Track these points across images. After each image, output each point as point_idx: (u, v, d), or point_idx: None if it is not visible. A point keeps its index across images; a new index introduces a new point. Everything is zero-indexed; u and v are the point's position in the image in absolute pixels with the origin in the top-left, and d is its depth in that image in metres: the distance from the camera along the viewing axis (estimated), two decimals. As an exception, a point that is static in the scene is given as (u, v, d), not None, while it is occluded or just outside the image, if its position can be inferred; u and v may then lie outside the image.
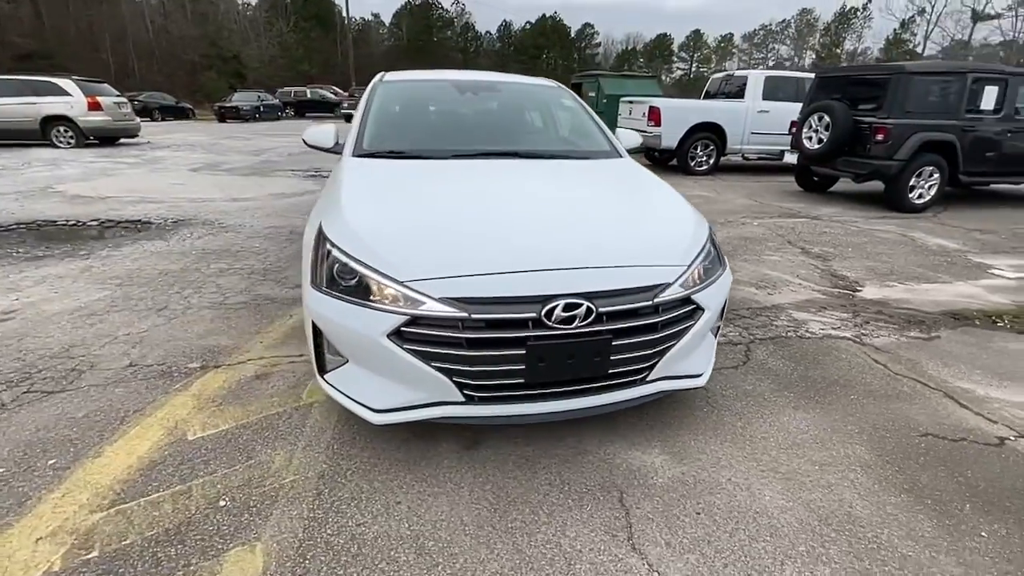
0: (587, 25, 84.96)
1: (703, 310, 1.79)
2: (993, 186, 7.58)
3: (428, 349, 1.56)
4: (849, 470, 1.81)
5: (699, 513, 1.60)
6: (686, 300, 1.75)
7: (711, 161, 9.29)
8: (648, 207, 2.20)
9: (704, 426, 2.04)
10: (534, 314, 1.54)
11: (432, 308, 1.54)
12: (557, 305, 1.55)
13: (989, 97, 6.14)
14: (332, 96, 29.08)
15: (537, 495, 1.66)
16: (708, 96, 10.65)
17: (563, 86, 3.40)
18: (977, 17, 45.10)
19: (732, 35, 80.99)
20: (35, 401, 2.07)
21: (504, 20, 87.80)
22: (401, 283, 1.58)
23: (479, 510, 1.59)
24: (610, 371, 1.67)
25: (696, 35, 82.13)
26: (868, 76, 6.39)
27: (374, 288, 1.61)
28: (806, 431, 2.03)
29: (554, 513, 1.59)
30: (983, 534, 1.55)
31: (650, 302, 1.66)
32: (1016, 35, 43.07)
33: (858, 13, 57.98)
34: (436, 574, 1.37)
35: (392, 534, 1.50)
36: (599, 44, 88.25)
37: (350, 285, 1.65)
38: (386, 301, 1.58)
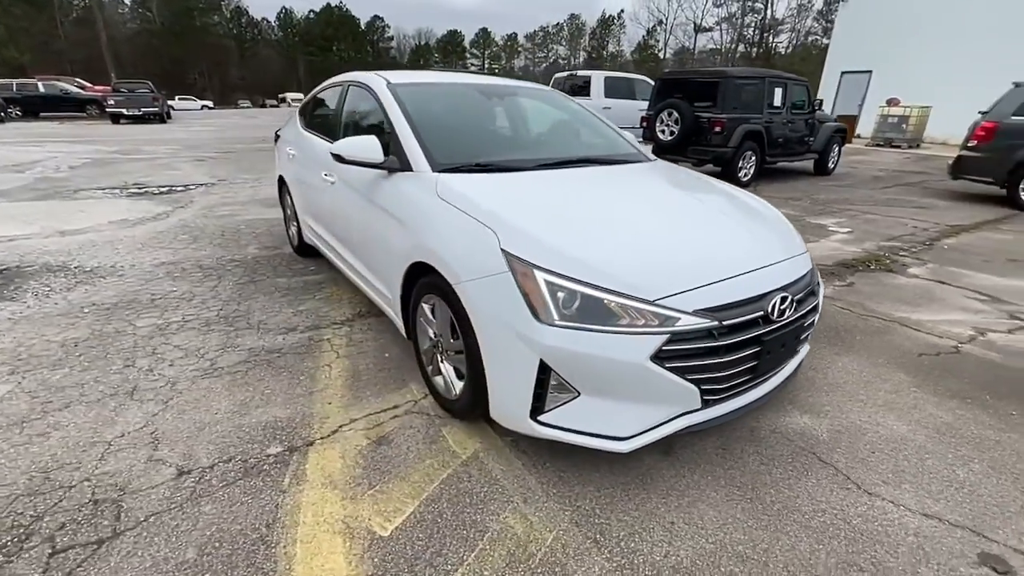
0: (377, 18, 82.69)
1: (819, 285, 2.13)
2: (779, 164, 9.93)
3: (684, 363, 1.56)
4: (910, 391, 2.37)
5: (873, 452, 1.94)
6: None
7: (569, 154, 10.16)
8: (744, 204, 2.38)
9: (801, 383, 2.41)
10: (762, 312, 1.67)
11: (688, 322, 1.55)
12: (776, 300, 1.69)
13: (778, 97, 8.03)
14: (80, 91, 23.00)
15: (764, 474, 1.80)
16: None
17: (554, 89, 3.45)
18: (697, 29, 57.08)
19: (516, 34, 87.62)
20: (83, 565, 1.41)
21: (284, 7, 79.83)
22: (651, 302, 1.54)
23: (737, 500, 1.67)
24: (797, 348, 1.89)
25: (485, 33, 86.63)
26: (701, 79, 7.79)
27: (618, 311, 1.53)
28: (863, 369, 2.55)
29: (785, 482, 1.76)
30: (1013, 412, 2.22)
31: (811, 285, 1.93)
32: (725, 45, 55.78)
33: (615, 20, 68.20)
34: (762, 560, 1.42)
35: (700, 549, 1.48)
36: (392, 38, 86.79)
37: (584, 312, 1.53)
38: (638, 323, 1.53)
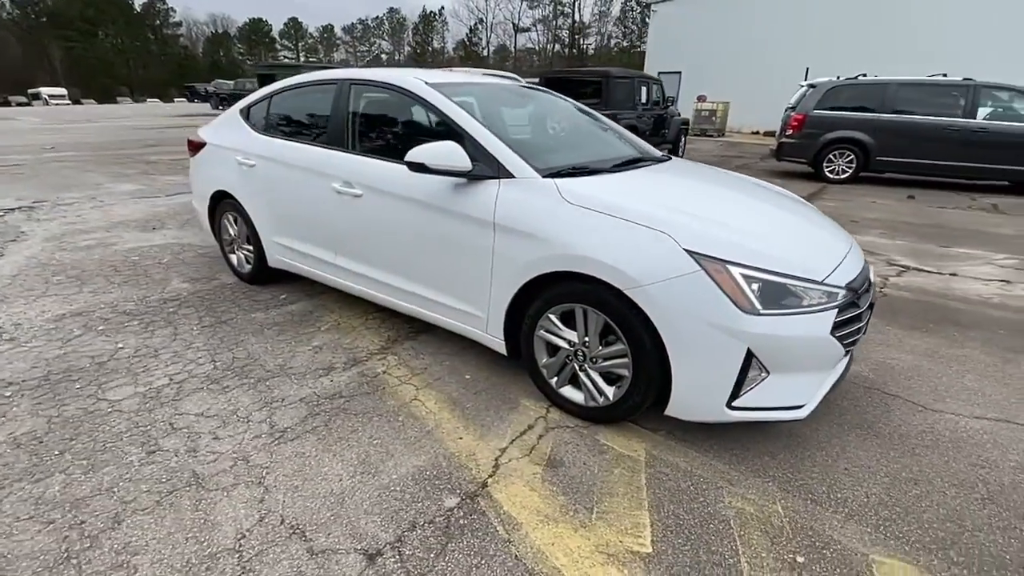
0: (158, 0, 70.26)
1: None
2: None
3: (842, 331, 1.80)
4: (887, 328, 3.01)
5: (909, 379, 2.45)
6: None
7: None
8: (788, 195, 2.64)
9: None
10: (857, 288, 1.97)
11: (843, 296, 1.79)
12: (866, 278, 2.03)
13: (644, 94, 9.07)
14: None
15: (866, 414, 2.16)
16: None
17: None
18: (516, 29, 60.39)
19: (333, 26, 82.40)
20: None
21: (16, -21, 62.85)
22: (820, 283, 1.75)
23: (869, 439, 1.98)
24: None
25: (295, 23, 79.76)
26: (585, 78, 8.41)
27: (800, 293, 1.71)
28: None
29: (885, 416, 2.14)
30: (954, 333, 2.98)
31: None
32: (542, 45, 59.97)
33: (437, 17, 68.47)
34: (925, 478, 1.75)
35: (879, 483, 1.75)
36: (180, 24, 74.84)
37: (777, 299, 1.68)
38: (817, 302, 1.72)
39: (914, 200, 7.18)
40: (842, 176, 8.32)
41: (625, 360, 1.87)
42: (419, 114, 2.53)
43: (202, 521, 1.56)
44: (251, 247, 3.35)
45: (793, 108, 8.87)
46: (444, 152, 2.05)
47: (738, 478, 1.79)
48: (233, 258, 3.58)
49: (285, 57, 78.04)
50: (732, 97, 17.34)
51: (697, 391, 1.77)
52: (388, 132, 2.62)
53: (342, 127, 2.70)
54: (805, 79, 9.45)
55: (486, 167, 2.12)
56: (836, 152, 8.29)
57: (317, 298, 3.31)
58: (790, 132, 8.66)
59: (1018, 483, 1.78)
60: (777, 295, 1.68)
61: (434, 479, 1.75)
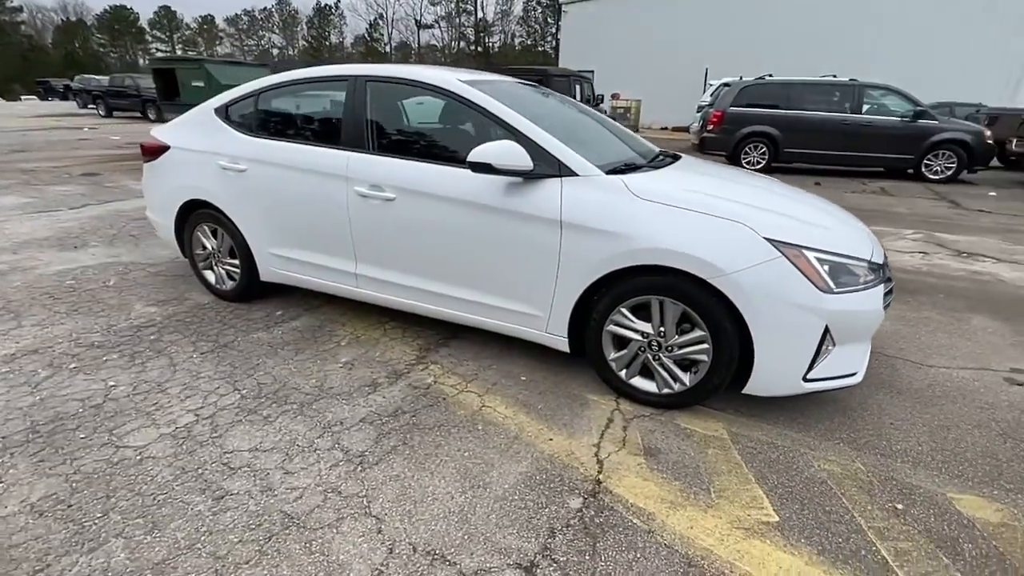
0: (-13, -20, 60.00)
1: None
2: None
3: (885, 303, 2.04)
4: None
5: (898, 341, 2.81)
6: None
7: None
8: (794, 189, 2.86)
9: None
10: (885, 265, 2.24)
11: (885, 272, 2.03)
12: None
13: (579, 92, 9.38)
14: None
15: (881, 375, 2.45)
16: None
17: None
18: (419, 25, 59.33)
19: (213, 17, 75.42)
20: None
21: None
22: (869, 261, 1.96)
23: (881, 393, 2.26)
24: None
25: (168, 12, 71.96)
26: (527, 76, 8.49)
27: (858, 272, 1.91)
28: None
29: (898, 376, 2.45)
30: (922, 300, 3.45)
31: None
32: (446, 42, 59.50)
33: (333, 11, 65.23)
34: (952, 425, 2.05)
35: (917, 439, 2.01)
36: (20, 9, 64.53)
37: (842, 278, 1.86)
38: (870, 278, 1.94)
39: (820, 186, 8.14)
40: (757, 167, 9.21)
41: (705, 346, 1.96)
42: (456, 113, 2.45)
43: (325, 563, 1.42)
44: (236, 261, 3.02)
45: (710, 106, 9.66)
46: (508, 151, 2.02)
47: (814, 443, 1.96)
48: (210, 275, 3.21)
49: (158, 51, 70.15)
50: (642, 95, 18.46)
51: (778, 368, 1.91)
52: (424, 132, 2.51)
53: (360, 127, 2.52)
54: (705, 79, 10.39)
55: (546, 166, 2.10)
56: (751, 145, 9.16)
57: (319, 312, 3.07)
58: (711, 127, 9.42)
59: (1020, 419, 2.13)
60: (842, 274, 1.87)
61: (547, 483, 1.73)
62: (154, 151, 3.13)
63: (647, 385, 2.15)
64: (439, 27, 59.58)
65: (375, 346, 2.68)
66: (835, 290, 1.83)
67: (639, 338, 2.09)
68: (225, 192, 2.86)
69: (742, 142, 9.15)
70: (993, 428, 2.07)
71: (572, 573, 1.40)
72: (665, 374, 2.09)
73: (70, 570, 1.39)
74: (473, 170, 2.04)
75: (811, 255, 1.83)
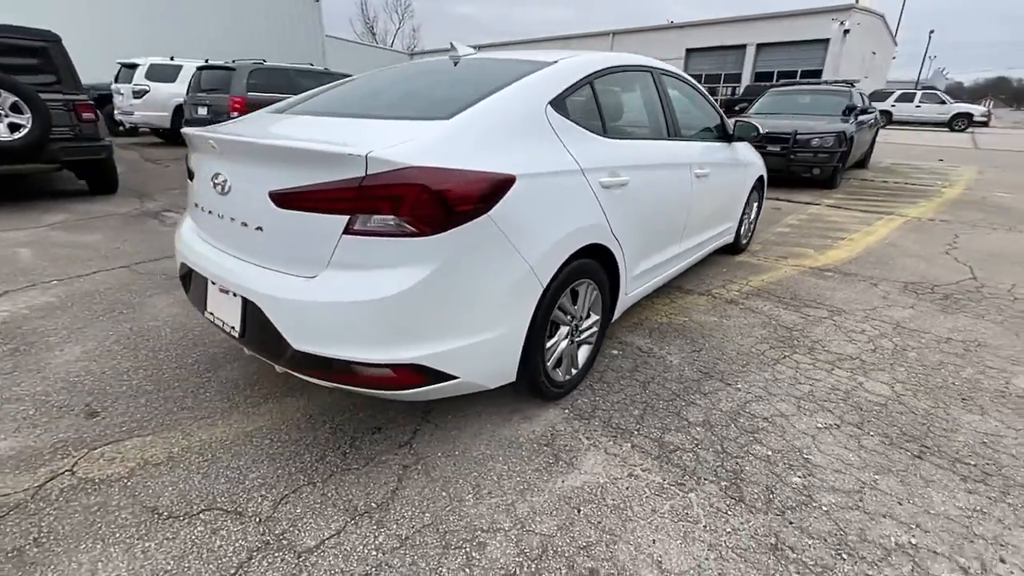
0: None
1: None
2: None
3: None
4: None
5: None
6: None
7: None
8: None
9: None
10: None
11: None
12: None
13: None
14: None
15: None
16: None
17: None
18: None
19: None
20: None
21: None
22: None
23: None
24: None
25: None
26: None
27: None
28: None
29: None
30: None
31: None
32: None
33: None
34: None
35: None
36: None
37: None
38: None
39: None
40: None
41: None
42: (696, 96, 3.10)
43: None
44: (590, 322, 2.19)
45: (221, 91, 8.79)
46: (752, 125, 3.27)
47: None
48: (551, 357, 1.99)
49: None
50: None
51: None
52: (688, 115, 2.94)
53: (662, 116, 2.67)
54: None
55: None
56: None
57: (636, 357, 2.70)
58: (235, 115, 8.68)
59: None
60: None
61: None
62: (490, 195, 1.51)
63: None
64: None
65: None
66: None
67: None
68: (613, 218, 2.07)
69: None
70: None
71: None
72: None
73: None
74: (744, 141, 3.19)
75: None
